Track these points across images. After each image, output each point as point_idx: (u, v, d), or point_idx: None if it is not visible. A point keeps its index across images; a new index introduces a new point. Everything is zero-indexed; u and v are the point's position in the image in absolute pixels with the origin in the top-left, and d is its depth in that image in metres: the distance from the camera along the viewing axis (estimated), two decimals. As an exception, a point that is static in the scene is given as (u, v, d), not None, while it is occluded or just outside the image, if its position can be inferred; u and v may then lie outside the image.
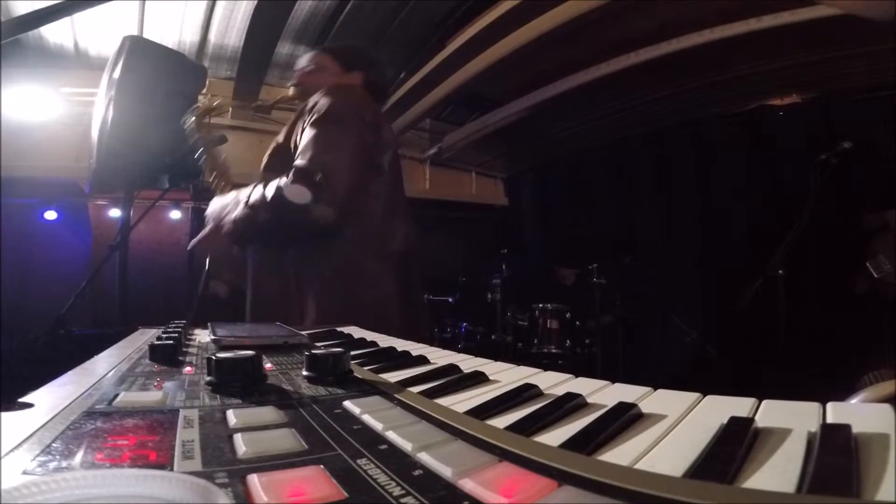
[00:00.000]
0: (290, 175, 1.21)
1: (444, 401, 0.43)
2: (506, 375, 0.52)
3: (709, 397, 0.38)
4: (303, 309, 1.30)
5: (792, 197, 2.55)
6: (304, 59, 1.58)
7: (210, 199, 1.51)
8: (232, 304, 1.53)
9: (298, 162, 1.24)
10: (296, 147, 1.31)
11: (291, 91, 1.60)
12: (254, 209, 1.25)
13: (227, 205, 1.35)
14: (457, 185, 4.79)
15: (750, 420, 0.30)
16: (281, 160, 1.36)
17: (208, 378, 0.43)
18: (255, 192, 1.27)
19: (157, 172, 2.05)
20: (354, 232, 1.31)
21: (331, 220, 1.22)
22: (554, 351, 3.29)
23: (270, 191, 1.23)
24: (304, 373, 0.49)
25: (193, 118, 1.60)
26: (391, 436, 0.30)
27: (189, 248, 1.44)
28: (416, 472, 0.25)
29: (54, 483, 0.18)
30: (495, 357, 0.61)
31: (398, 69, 3.80)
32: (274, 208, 1.21)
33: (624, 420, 0.34)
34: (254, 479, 0.23)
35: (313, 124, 1.28)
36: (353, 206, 1.27)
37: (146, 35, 2.80)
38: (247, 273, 1.46)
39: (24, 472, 0.23)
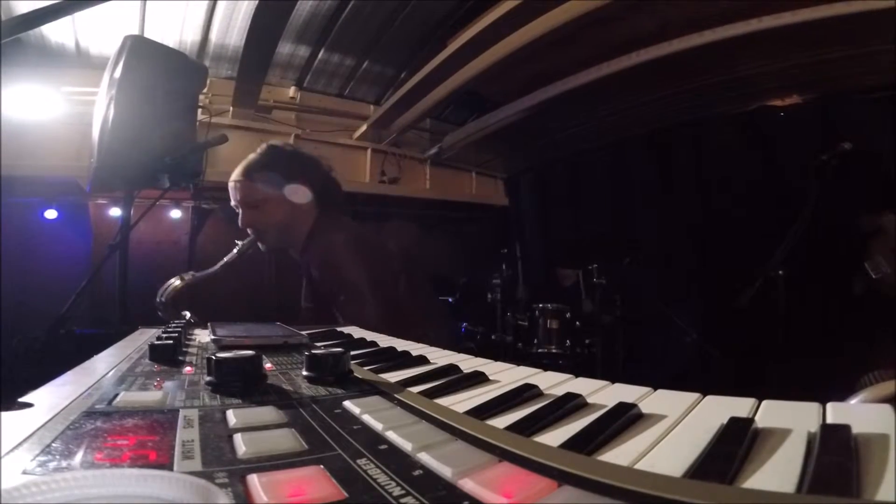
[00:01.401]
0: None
1: (444, 401, 0.43)
2: (506, 375, 0.52)
3: (709, 397, 0.38)
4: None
5: (792, 197, 2.54)
6: (237, 189, 1.54)
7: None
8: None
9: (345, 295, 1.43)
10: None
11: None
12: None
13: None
14: (457, 185, 4.79)
15: (750, 420, 0.30)
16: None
17: (208, 378, 0.43)
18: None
19: (157, 172, 2.05)
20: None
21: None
22: (554, 351, 3.29)
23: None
24: (304, 373, 0.49)
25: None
26: (391, 436, 0.30)
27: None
28: (416, 472, 0.25)
29: (54, 483, 0.18)
30: (495, 357, 0.61)
31: (398, 69, 3.80)
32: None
33: (624, 420, 0.34)
34: (254, 479, 0.23)
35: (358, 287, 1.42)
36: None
37: (147, 34, 2.80)
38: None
39: (24, 472, 0.23)
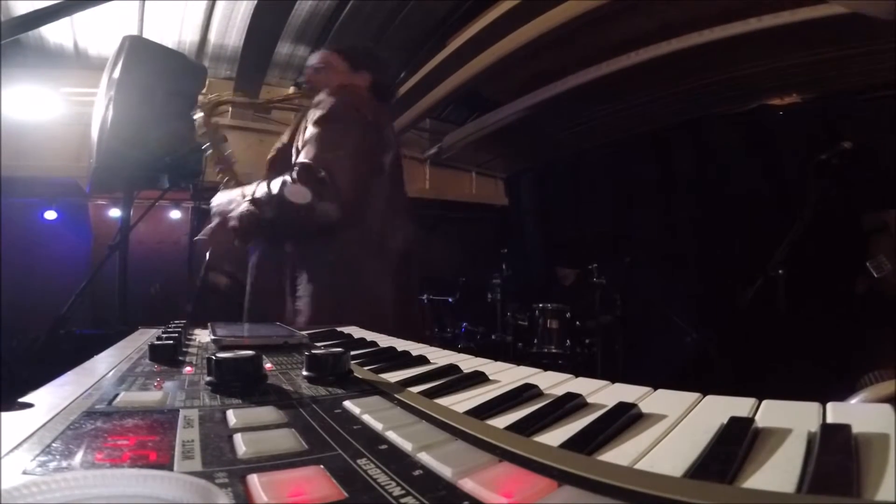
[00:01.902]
0: (294, 172, 1.23)
1: (444, 401, 0.43)
2: (506, 375, 0.52)
3: (709, 397, 0.38)
4: (298, 304, 1.32)
5: (792, 197, 2.55)
6: (313, 58, 1.61)
7: (211, 197, 1.52)
8: (230, 296, 1.54)
9: (302, 159, 1.26)
10: (300, 146, 1.33)
11: (293, 89, 1.62)
12: (258, 206, 1.27)
13: (233, 200, 1.37)
14: (457, 185, 4.79)
15: (750, 420, 0.30)
16: (286, 159, 1.39)
17: (208, 378, 0.43)
18: (259, 189, 1.29)
19: (157, 172, 2.05)
20: (355, 230, 1.32)
21: (334, 218, 1.24)
22: (554, 351, 3.29)
23: (275, 188, 1.24)
24: (304, 373, 0.49)
25: (201, 111, 1.62)
26: (391, 436, 0.30)
27: (195, 239, 1.48)
28: (416, 472, 0.25)
29: (54, 483, 0.18)
30: (495, 357, 0.61)
31: (398, 69, 3.80)
32: (278, 205, 1.23)
33: (624, 420, 0.34)
34: (254, 479, 0.23)
35: (316, 122, 1.30)
36: (356, 204, 1.28)
37: (146, 35, 2.80)
38: (246, 267, 1.48)
39: (24, 472, 0.23)
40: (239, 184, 1.50)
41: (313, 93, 1.50)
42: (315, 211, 1.21)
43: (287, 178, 1.23)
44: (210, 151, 1.66)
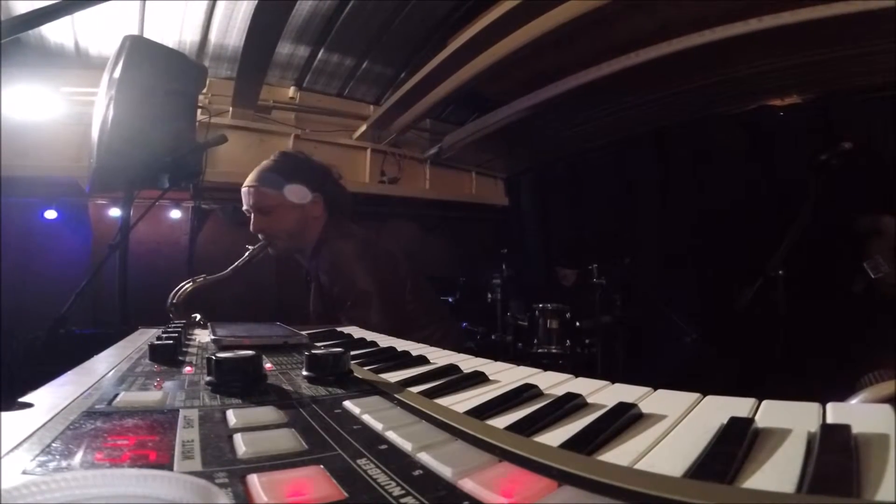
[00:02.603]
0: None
1: (444, 401, 0.43)
2: (506, 375, 0.52)
3: (709, 397, 0.38)
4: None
5: (792, 197, 2.54)
6: (249, 195, 1.57)
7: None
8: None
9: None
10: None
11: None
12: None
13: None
14: (457, 185, 4.79)
15: (750, 420, 0.30)
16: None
17: (208, 378, 0.43)
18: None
19: (157, 172, 2.05)
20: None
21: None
22: (554, 351, 3.29)
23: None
24: (304, 373, 0.49)
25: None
26: (391, 436, 0.30)
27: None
28: (416, 472, 0.25)
29: (54, 483, 0.18)
30: (495, 357, 0.61)
31: (398, 69, 3.80)
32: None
33: (624, 420, 0.34)
34: (254, 479, 0.23)
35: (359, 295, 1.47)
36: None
37: (146, 35, 2.80)
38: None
39: (24, 472, 0.23)
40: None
41: (276, 239, 1.57)
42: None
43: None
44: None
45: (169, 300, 1.43)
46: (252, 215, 1.57)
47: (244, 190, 1.58)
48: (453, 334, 1.76)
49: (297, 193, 1.53)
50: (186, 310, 1.39)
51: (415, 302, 1.60)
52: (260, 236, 1.57)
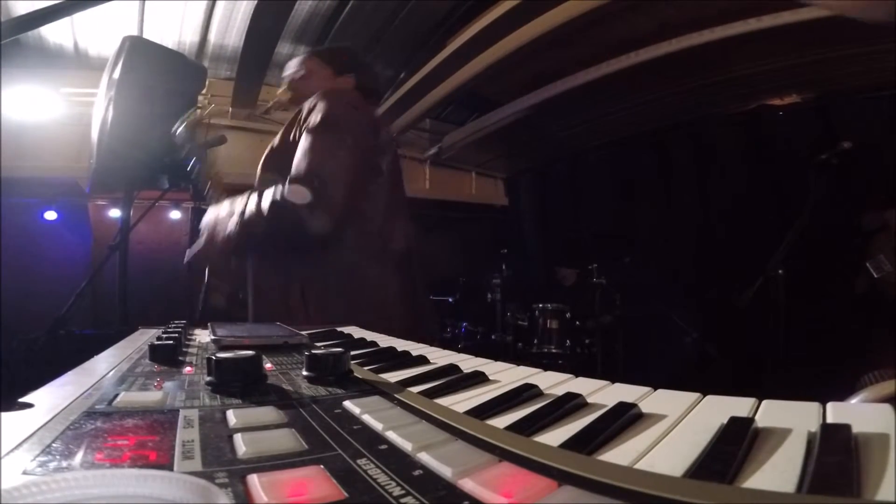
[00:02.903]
0: (287, 184, 1.21)
1: (444, 401, 0.43)
2: (506, 375, 0.52)
3: (709, 397, 0.38)
4: (306, 315, 1.30)
5: (792, 197, 2.54)
6: (293, 64, 1.59)
7: (210, 199, 1.52)
8: (232, 312, 1.54)
9: (294, 171, 1.24)
10: (292, 152, 1.30)
11: (283, 95, 1.60)
12: (249, 221, 1.24)
13: (222, 216, 1.33)
14: (457, 185, 4.79)
15: (750, 420, 0.30)
16: (277, 166, 1.36)
17: (208, 378, 0.43)
18: (250, 203, 1.26)
19: (157, 172, 2.05)
20: (354, 236, 1.31)
21: (329, 228, 1.22)
22: (554, 351, 3.29)
23: (266, 201, 1.22)
24: (304, 373, 0.49)
25: (184, 127, 1.60)
26: (391, 436, 0.30)
27: (185, 261, 1.45)
28: (416, 472, 0.25)
29: (54, 483, 0.18)
30: (495, 357, 0.61)
31: (398, 69, 3.80)
32: (270, 220, 1.21)
33: (624, 420, 0.34)
34: (254, 479, 0.23)
35: (309, 131, 1.28)
36: (352, 211, 1.27)
37: (146, 35, 2.80)
38: (247, 282, 1.46)
39: (24, 472, 0.23)
40: (229, 197, 1.45)
41: (299, 101, 1.48)
42: (308, 222, 1.20)
43: (278, 189, 1.21)
44: (198, 167, 1.64)
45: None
46: (290, 77, 1.56)
47: (291, 62, 1.59)
48: (411, 315, 1.39)
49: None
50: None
51: (382, 228, 1.35)
52: (286, 97, 1.56)
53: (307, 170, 1.22)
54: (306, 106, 1.36)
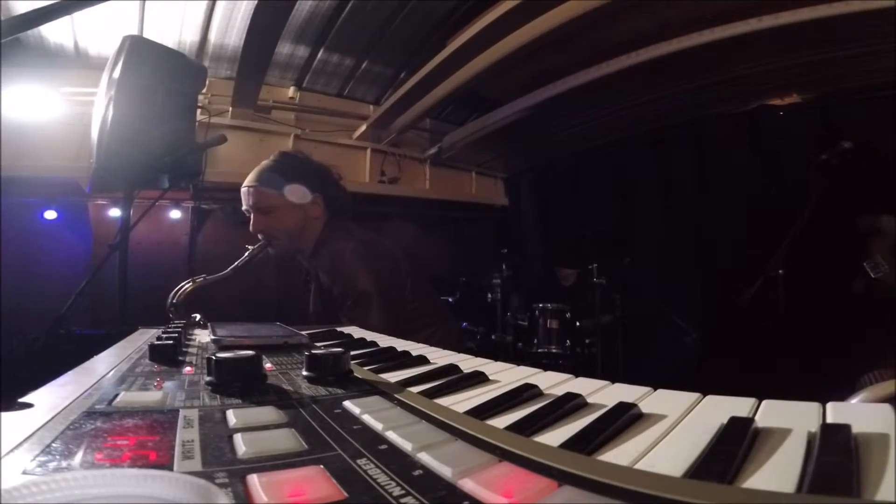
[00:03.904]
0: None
1: (444, 401, 0.43)
2: (506, 375, 0.52)
3: (709, 397, 0.38)
4: None
5: (792, 197, 2.54)
6: (249, 195, 1.56)
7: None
8: None
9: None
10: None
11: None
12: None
13: None
14: (457, 185, 4.79)
15: (750, 420, 0.30)
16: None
17: (208, 378, 0.43)
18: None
19: (157, 172, 2.05)
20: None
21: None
22: (554, 351, 3.29)
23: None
24: (304, 373, 0.49)
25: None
26: (391, 436, 0.30)
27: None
28: (416, 472, 0.25)
29: (54, 483, 0.18)
30: (495, 357, 0.61)
31: (398, 69, 3.80)
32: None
33: (624, 420, 0.34)
34: (254, 479, 0.23)
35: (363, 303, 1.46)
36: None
37: (146, 35, 2.80)
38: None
39: (24, 472, 0.23)
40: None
41: (275, 239, 1.56)
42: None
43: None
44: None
45: (169, 300, 1.44)
46: (252, 215, 1.56)
47: (244, 190, 1.57)
48: (454, 334, 1.76)
49: (296, 193, 1.54)
50: (187, 310, 1.40)
51: (416, 301, 1.59)
52: (259, 236, 1.57)
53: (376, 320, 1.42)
54: (329, 276, 1.54)
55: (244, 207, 1.58)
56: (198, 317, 1.23)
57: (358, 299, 1.46)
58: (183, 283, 1.46)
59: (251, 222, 1.56)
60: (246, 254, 1.54)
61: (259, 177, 1.57)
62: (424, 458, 0.26)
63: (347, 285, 1.48)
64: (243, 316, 1.45)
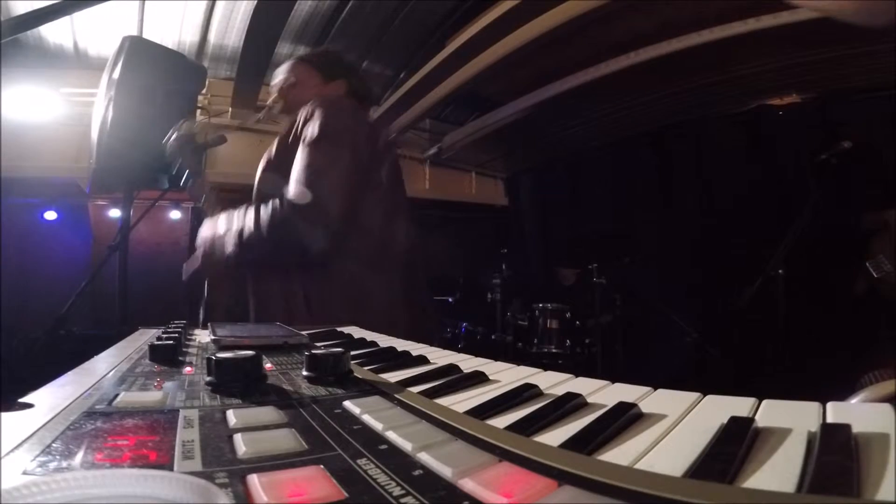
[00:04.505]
0: (285, 203, 1.21)
1: (444, 401, 0.43)
2: (506, 375, 0.52)
3: (709, 397, 0.38)
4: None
5: (792, 196, 2.54)
6: (281, 71, 1.56)
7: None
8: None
9: (293, 186, 1.23)
10: (289, 162, 1.28)
11: (274, 103, 1.56)
12: (249, 239, 1.23)
13: (220, 233, 1.32)
14: (457, 185, 4.79)
15: (750, 420, 0.30)
16: (274, 176, 1.34)
17: (208, 378, 0.43)
18: (248, 220, 1.25)
19: (157, 172, 2.05)
20: (355, 246, 1.30)
21: (329, 241, 1.22)
22: (554, 351, 3.29)
23: (265, 217, 1.21)
24: (304, 373, 0.49)
25: (175, 139, 1.59)
26: (391, 436, 0.30)
27: (184, 278, 1.44)
28: (416, 472, 0.25)
29: (54, 483, 0.18)
30: (495, 357, 0.61)
31: (398, 69, 3.80)
32: (270, 236, 1.21)
33: (624, 420, 0.34)
34: (254, 479, 0.23)
35: (306, 144, 1.26)
36: (352, 223, 1.27)
37: (146, 35, 2.80)
38: (248, 297, 1.45)
39: (24, 473, 0.23)
40: (223, 207, 1.44)
41: (290, 109, 1.48)
42: (307, 242, 1.20)
43: (276, 203, 1.21)
44: (190, 182, 1.64)
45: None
46: (279, 85, 1.53)
47: (280, 69, 1.56)
48: (416, 311, 1.41)
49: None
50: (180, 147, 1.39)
51: (383, 234, 1.35)
52: (276, 107, 1.53)
53: (305, 183, 1.21)
54: (301, 115, 1.34)
55: (274, 81, 1.55)
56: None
57: (310, 178, 1.21)
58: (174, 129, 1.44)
59: (275, 89, 1.54)
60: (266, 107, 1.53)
61: (299, 56, 1.59)
62: (424, 457, 0.26)
63: (308, 154, 1.24)
64: (243, 316, 1.45)
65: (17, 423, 0.30)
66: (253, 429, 0.31)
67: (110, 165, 1.97)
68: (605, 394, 0.43)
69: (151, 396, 0.38)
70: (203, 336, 0.81)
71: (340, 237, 1.24)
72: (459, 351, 0.71)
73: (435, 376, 0.52)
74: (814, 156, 2.05)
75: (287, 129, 1.40)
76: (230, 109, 3.61)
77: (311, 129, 1.27)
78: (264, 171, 1.44)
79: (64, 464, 0.25)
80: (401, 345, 0.77)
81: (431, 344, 0.77)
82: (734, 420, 0.31)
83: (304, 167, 1.23)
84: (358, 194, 1.28)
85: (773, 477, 0.24)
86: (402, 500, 0.22)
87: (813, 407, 0.32)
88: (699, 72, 2.94)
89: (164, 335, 0.62)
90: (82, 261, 3.38)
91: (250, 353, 0.44)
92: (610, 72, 2.93)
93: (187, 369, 0.52)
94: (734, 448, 0.27)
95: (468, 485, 0.23)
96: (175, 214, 3.77)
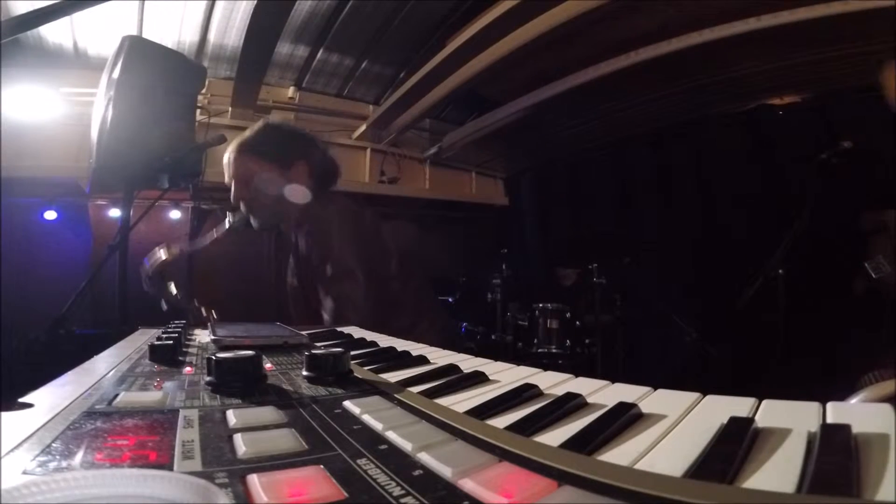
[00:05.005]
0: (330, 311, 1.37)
1: (444, 401, 0.43)
2: (506, 375, 0.52)
3: (709, 397, 0.38)
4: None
5: (792, 197, 2.54)
6: (231, 165, 1.49)
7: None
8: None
9: (328, 308, 1.38)
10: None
11: (235, 201, 1.50)
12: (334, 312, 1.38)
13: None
14: (457, 185, 4.79)
15: (750, 420, 0.30)
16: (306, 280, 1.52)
17: (208, 378, 0.43)
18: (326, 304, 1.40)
19: (157, 172, 2.05)
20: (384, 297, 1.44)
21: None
22: (554, 351, 3.29)
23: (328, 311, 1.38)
24: (304, 373, 0.49)
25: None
26: (391, 436, 0.30)
27: (148, 273, 1.50)
28: (416, 472, 0.25)
29: (54, 483, 0.18)
30: (495, 357, 0.61)
31: (398, 69, 3.80)
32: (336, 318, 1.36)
33: (624, 420, 0.34)
34: (254, 479, 0.23)
35: (327, 276, 1.38)
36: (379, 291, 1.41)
37: (145, 35, 2.80)
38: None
39: (24, 472, 0.23)
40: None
41: (259, 208, 1.49)
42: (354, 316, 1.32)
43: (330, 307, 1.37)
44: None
45: (144, 266, 1.42)
46: (232, 185, 1.49)
47: (225, 160, 1.50)
48: (441, 323, 1.63)
49: (297, 194, 1.51)
50: (161, 279, 1.37)
51: (401, 282, 1.49)
52: (241, 207, 1.49)
53: (338, 304, 1.36)
54: (301, 241, 1.46)
55: (226, 179, 1.50)
56: (172, 286, 1.20)
57: (339, 271, 1.36)
58: (156, 250, 1.43)
59: (231, 193, 1.49)
60: (226, 222, 1.48)
61: (240, 146, 1.49)
62: (424, 457, 0.26)
63: (329, 256, 1.38)
64: (243, 315, 1.45)
65: (17, 423, 0.30)
66: (253, 429, 0.31)
67: (110, 165, 1.97)
68: (605, 394, 0.43)
69: (151, 396, 0.38)
70: (203, 336, 0.81)
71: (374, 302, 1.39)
72: (459, 351, 0.71)
73: (435, 376, 0.52)
74: (813, 155, 2.05)
75: (293, 247, 1.54)
76: (230, 109, 3.60)
77: (329, 249, 1.40)
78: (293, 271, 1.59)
79: (64, 464, 0.25)
80: (401, 345, 0.77)
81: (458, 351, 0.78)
82: (734, 420, 0.31)
83: (330, 292, 1.37)
84: (379, 283, 1.41)
85: (773, 477, 0.24)
86: (402, 500, 0.22)
87: (813, 407, 0.33)
88: (699, 72, 2.94)
89: (164, 335, 0.62)
90: (82, 261, 3.38)
91: (250, 353, 0.44)
92: (610, 72, 2.92)
93: (187, 369, 0.52)
94: (734, 448, 0.27)
95: (468, 485, 0.23)
96: (175, 214, 3.77)
